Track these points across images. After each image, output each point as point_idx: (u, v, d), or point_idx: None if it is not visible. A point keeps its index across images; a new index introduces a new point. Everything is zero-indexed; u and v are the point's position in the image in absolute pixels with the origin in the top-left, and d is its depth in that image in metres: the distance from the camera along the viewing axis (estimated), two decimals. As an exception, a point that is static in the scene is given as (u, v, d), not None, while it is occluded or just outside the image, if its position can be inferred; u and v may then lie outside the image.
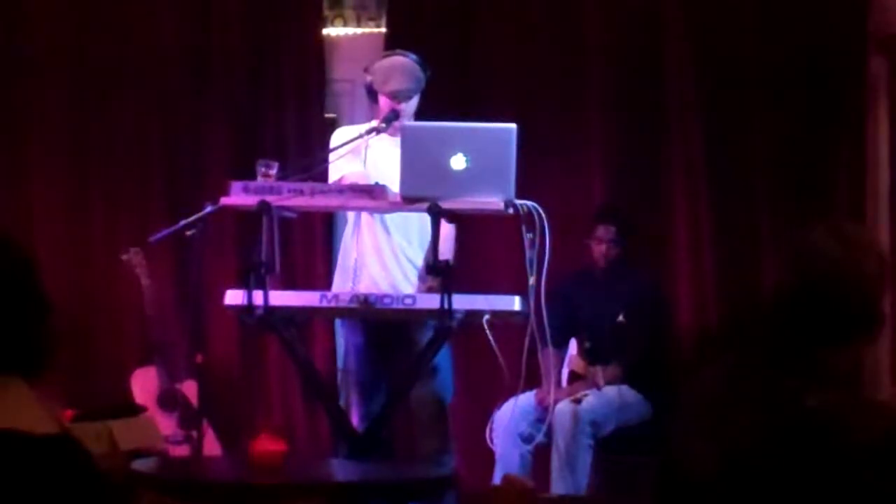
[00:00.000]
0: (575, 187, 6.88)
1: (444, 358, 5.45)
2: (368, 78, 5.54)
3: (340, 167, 5.42)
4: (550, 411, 5.86)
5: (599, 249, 6.36)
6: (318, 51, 7.16)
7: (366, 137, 5.45)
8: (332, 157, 5.45)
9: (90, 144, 7.06)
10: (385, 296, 5.18)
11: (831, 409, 2.47)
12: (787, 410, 2.49)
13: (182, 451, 6.37)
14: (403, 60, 5.54)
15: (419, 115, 5.54)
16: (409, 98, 5.49)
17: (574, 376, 6.33)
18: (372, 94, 5.54)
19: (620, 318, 6.30)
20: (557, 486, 5.95)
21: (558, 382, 6.23)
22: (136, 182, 7.07)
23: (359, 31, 7.31)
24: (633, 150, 6.89)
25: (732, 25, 6.84)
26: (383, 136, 5.47)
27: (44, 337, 2.24)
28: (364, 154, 5.48)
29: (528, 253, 4.94)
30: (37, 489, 2.11)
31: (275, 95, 7.10)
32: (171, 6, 7.10)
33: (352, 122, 6.48)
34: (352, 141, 5.44)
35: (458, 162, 4.90)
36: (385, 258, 5.54)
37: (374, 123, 5.51)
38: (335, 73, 7.24)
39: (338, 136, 5.55)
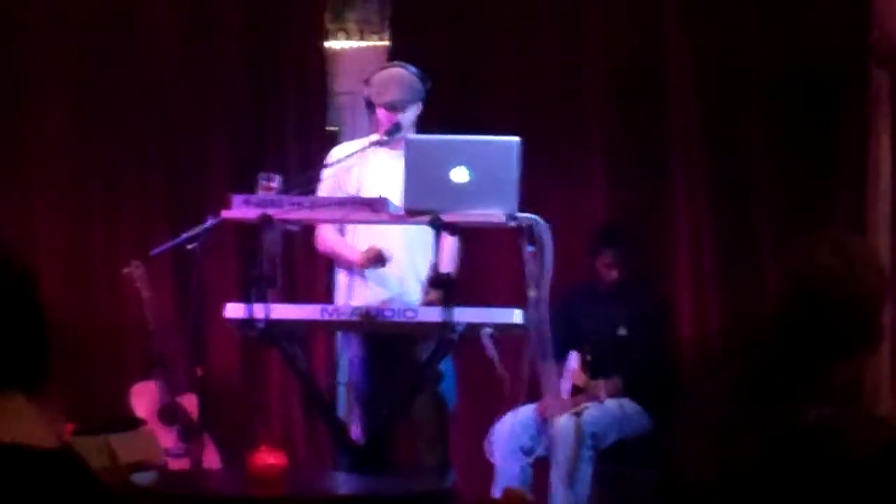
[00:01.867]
0: (577, 200, 6.88)
1: (446, 370, 5.45)
2: (366, 90, 5.55)
3: (327, 193, 5.42)
4: (550, 423, 5.86)
5: (606, 273, 6.40)
6: (321, 64, 7.17)
7: (367, 150, 5.45)
8: (324, 174, 5.45)
9: (91, 158, 7.07)
10: (386, 309, 5.18)
11: (830, 424, 2.47)
12: (785, 425, 2.49)
13: (182, 464, 6.37)
14: (400, 71, 5.54)
15: (422, 128, 5.55)
16: (405, 109, 5.49)
17: (575, 389, 6.32)
18: (371, 106, 5.55)
19: (622, 330, 6.31)
20: (558, 499, 5.95)
21: (559, 395, 6.23)
22: (137, 195, 7.07)
23: (362, 44, 7.32)
24: (635, 162, 6.89)
25: (733, 38, 6.84)
26: (383, 149, 5.47)
27: (44, 352, 2.24)
28: (357, 175, 5.47)
29: (529, 266, 4.94)
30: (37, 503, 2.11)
31: (277, 108, 7.11)
32: (173, 19, 7.11)
33: (354, 135, 6.48)
34: (351, 156, 5.44)
35: (460, 175, 4.91)
36: (386, 271, 5.53)
37: (375, 137, 5.52)
38: (338, 86, 7.24)
39: (336, 153, 5.55)
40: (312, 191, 5.34)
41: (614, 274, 6.41)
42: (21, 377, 2.20)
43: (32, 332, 2.22)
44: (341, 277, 5.67)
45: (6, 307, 2.20)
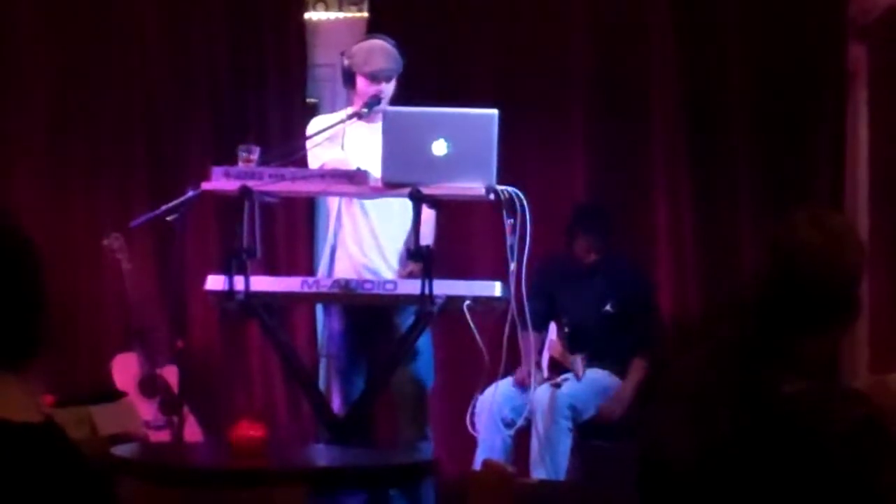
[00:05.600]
0: (557, 173, 6.88)
1: (424, 343, 5.46)
2: (346, 61, 5.52)
3: (319, 155, 5.41)
4: (531, 391, 5.88)
5: (584, 256, 6.37)
6: (300, 35, 7.15)
7: (346, 123, 5.45)
8: (309, 144, 5.44)
9: (71, 129, 7.04)
10: (366, 281, 5.18)
11: (808, 398, 2.48)
12: (764, 399, 2.50)
13: (162, 436, 6.36)
14: (383, 42, 5.54)
15: (400, 100, 5.53)
16: (389, 79, 5.47)
17: (553, 361, 6.32)
18: (349, 78, 5.52)
19: (608, 307, 6.28)
20: (537, 471, 5.97)
21: (538, 366, 6.24)
22: (117, 167, 7.05)
23: (341, 15, 7.30)
24: (615, 136, 6.89)
25: (714, 15, 6.85)
26: (360, 122, 5.47)
27: (33, 329, 2.23)
28: (342, 140, 5.48)
29: (508, 239, 4.95)
30: (20, 477, 2.11)
31: (257, 80, 7.09)
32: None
33: (333, 107, 6.48)
34: (331, 127, 5.43)
35: (439, 147, 4.91)
36: (365, 243, 5.53)
37: (351, 109, 5.51)
38: (317, 57, 7.22)
39: (314, 125, 5.54)
40: (293, 162, 5.33)
41: (592, 257, 6.38)
42: (8, 353, 2.20)
43: (24, 310, 2.21)
44: (324, 248, 5.67)
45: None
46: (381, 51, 5.47)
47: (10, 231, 2.24)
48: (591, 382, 6.14)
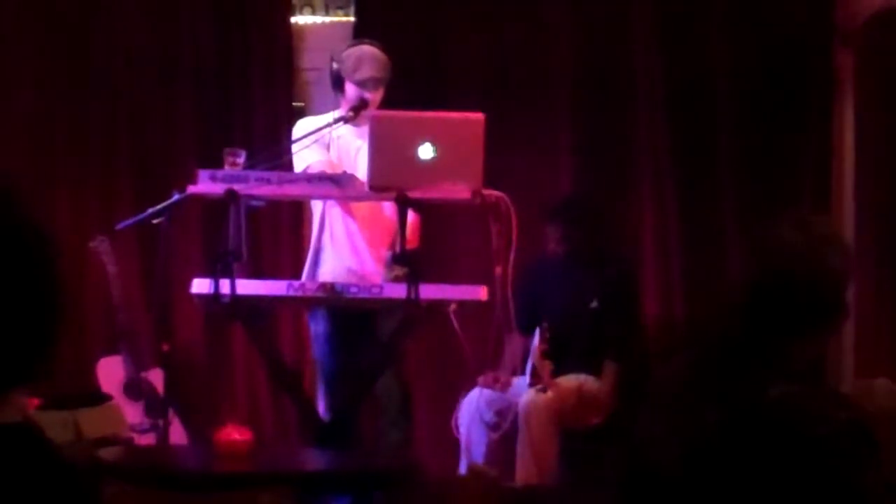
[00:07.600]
0: (543, 177, 6.89)
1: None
2: (335, 66, 5.52)
3: (305, 157, 5.41)
4: (509, 394, 5.89)
5: (555, 247, 6.34)
6: (287, 39, 7.15)
7: (333, 127, 5.45)
8: (296, 147, 5.44)
9: (57, 132, 7.02)
10: (352, 285, 5.17)
11: (794, 401, 2.49)
12: (751, 402, 2.51)
13: (148, 439, 6.36)
14: (374, 49, 5.54)
15: (384, 107, 5.53)
16: (378, 87, 5.48)
17: (534, 369, 6.28)
18: (338, 82, 5.52)
19: (594, 304, 6.25)
20: (523, 475, 5.96)
21: (520, 370, 6.23)
22: (103, 170, 7.03)
23: (327, 19, 7.30)
24: (601, 140, 6.91)
25: (700, 17, 6.86)
26: (346, 126, 5.47)
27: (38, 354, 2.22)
28: (328, 144, 5.48)
29: (494, 242, 4.94)
30: (1, 478, 2.10)
31: (243, 84, 7.08)
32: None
33: (320, 110, 6.48)
34: (317, 131, 5.43)
35: (426, 151, 4.90)
36: (350, 247, 5.53)
37: (339, 113, 5.51)
38: (304, 61, 7.22)
39: (300, 127, 5.54)
40: (279, 166, 5.32)
41: (562, 248, 6.33)
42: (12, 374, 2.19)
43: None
44: (310, 252, 5.67)
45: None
46: (371, 59, 5.47)
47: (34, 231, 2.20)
48: (577, 387, 6.14)
